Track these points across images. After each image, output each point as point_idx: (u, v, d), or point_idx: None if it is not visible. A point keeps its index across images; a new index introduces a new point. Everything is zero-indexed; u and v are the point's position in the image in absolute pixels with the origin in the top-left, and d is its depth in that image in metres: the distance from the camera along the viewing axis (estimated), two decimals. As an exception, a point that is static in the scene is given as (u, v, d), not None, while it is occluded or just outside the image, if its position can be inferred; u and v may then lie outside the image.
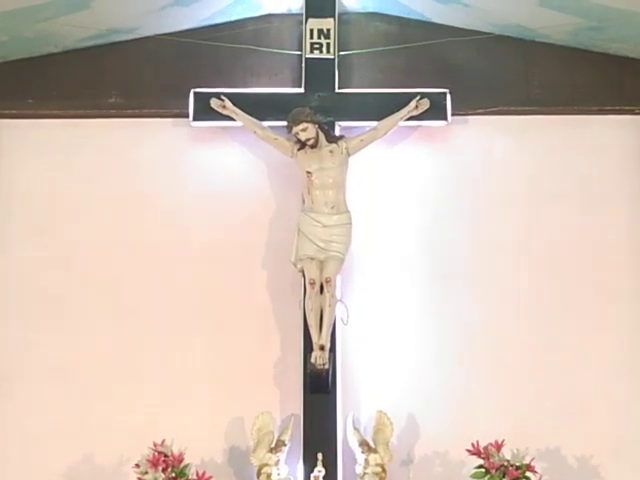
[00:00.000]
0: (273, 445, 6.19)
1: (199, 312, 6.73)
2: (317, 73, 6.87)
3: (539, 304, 6.73)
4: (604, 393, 6.57)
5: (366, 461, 6.14)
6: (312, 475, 6.06)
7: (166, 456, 5.97)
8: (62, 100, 7.00)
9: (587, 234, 6.85)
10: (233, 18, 7.11)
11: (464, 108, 6.91)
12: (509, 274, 6.79)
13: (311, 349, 6.28)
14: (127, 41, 7.08)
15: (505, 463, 5.95)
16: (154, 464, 5.92)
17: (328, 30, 6.91)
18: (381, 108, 6.72)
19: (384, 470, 6.11)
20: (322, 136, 6.54)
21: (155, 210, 6.90)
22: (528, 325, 6.69)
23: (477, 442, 6.02)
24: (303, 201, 6.55)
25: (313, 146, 6.50)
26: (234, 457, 6.50)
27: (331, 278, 6.32)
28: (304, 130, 6.47)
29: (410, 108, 6.70)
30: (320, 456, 6.08)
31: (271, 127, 6.71)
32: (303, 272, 6.40)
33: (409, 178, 6.93)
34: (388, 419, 6.28)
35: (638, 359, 6.66)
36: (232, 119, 6.76)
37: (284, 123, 6.55)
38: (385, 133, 6.68)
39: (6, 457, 6.52)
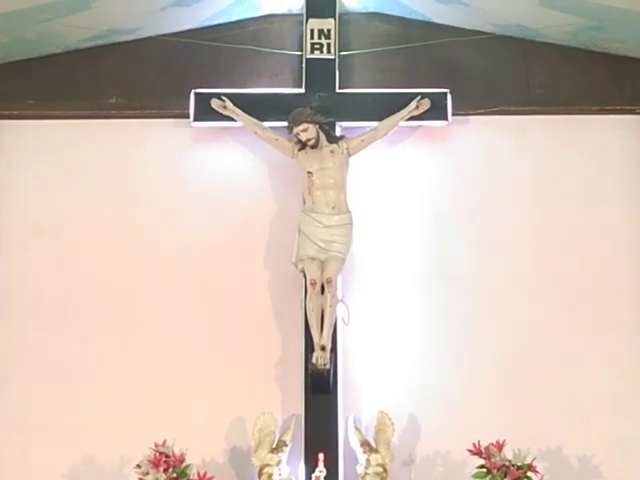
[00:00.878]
0: (274, 445, 6.19)
1: (200, 312, 6.73)
2: (318, 73, 6.87)
3: (539, 304, 6.73)
4: (605, 393, 6.57)
5: (367, 461, 6.14)
6: (313, 475, 6.06)
7: (167, 456, 5.97)
8: (63, 101, 7.00)
9: (587, 234, 6.85)
10: (234, 18, 7.11)
11: (465, 108, 6.92)
12: (509, 274, 6.79)
13: (312, 349, 6.28)
14: (128, 42, 7.08)
15: (506, 463, 5.94)
16: (155, 465, 5.92)
17: (329, 30, 6.91)
18: (382, 108, 6.72)
19: (385, 470, 6.11)
20: (323, 136, 6.54)
21: (156, 210, 6.90)
22: (529, 325, 6.69)
23: (478, 442, 6.02)
24: (304, 201, 6.56)
25: (314, 146, 6.50)
26: (235, 457, 6.50)
27: (332, 278, 6.32)
28: (305, 130, 6.47)
29: (411, 108, 6.70)
30: (321, 456, 6.08)
31: (272, 127, 6.72)
32: (304, 272, 6.41)
33: (410, 178, 6.93)
34: (389, 419, 6.27)
35: (638, 359, 6.65)
36: (233, 119, 6.76)
37: (285, 123, 6.55)
38: (386, 133, 6.69)
39: (6, 457, 6.52)
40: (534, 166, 6.97)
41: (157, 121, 7.02)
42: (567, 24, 6.80)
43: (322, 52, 6.90)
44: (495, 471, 5.93)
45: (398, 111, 6.69)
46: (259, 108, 6.75)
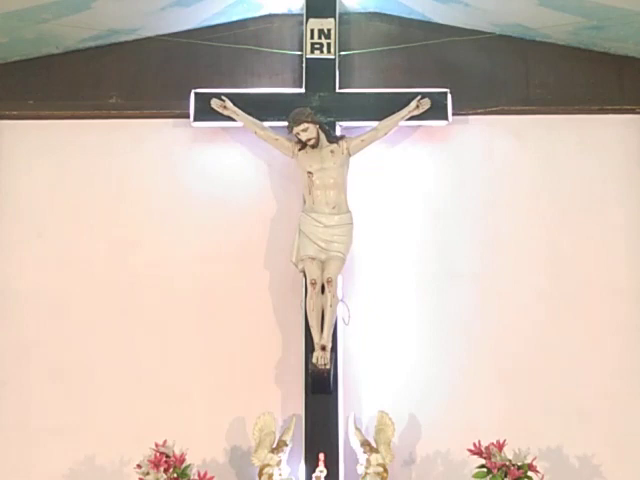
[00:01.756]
0: (275, 445, 6.19)
1: (200, 312, 6.73)
2: (318, 73, 6.87)
3: (539, 304, 6.73)
4: (605, 393, 6.57)
5: (368, 461, 6.14)
6: (314, 475, 6.06)
7: (168, 457, 5.97)
8: (63, 101, 7.00)
9: (587, 234, 6.85)
10: (234, 18, 7.11)
11: (465, 108, 6.92)
12: (509, 274, 6.79)
13: (312, 349, 6.28)
14: (128, 42, 7.08)
15: (507, 463, 5.94)
16: (156, 465, 5.92)
17: (329, 30, 6.91)
18: (382, 108, 6.72)
19: (386, 470, 6.11)
20: (323, 136, 6.54)
21: (156, 210, 6.90)
22: (529, 325, 6.70)
23: (479, 442, 6.02)
24: (304, 201, 6.55)
25: (314, 146, 6.50)
26: (236, 457, 6.50)
27: (332, 278, 6.32)
28: (305, 130, 6.47)
29: (411, 108, 6.70)
30: (322, 456, 6.09)
31: (272, 127, 6.72)
32: (304, 272, 6.41)
33: (410, 178, 6.93)
34: (389, 419, 6.28)
35: (638, 359, 6.66)
36: (233, 119, 6.76)
37: (285, 123, 6.55)
38: (386, 133, 6.69)
39: (6, 457, 6.53)
40: (534, 166, 6.97)
41: (157, 121, 7.01)
42: (567, 24, 6.80)
43: (322, 52, 6.90)
44: (495, 471, 5.93)
45: (398, 111, 6.69)
46: (259, 108, 6.75)
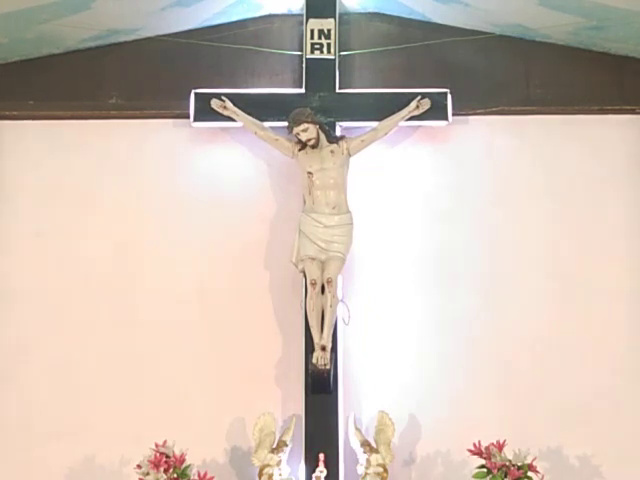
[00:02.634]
0: (275, 446, 6.19)
1: (200, 313, 6.73)
2: (318, 73, 6.86)
3: (539, 303, 6.73)
4: (605, 393, 6.57)
5: (368, 461, 6.14)
6: (314, 475, 6.07)
7: (168, 457, 5.97)
8: (63, 101, 7.00)
9: (587, 234, 6.85)
10: (234, 19, 7.11)
11: (465, 108, 6.92)
12: (509, 274, 6.79)
13: (312, 349, 6.28)
14: (128, 42, 7.08)
15: (507, 463, 5.95)
16: (156, 465, 5.92)
17: (329, 30, 6.91)
18: (382, 108, 6.72)
19: (386, 470, 6.11)
20: (323, 136, 6.54)
21: (156, 210, 6.91)
22: (529, 325, 6.70)
23: (479, 442, 6.02)
24: (304, 201, 6.55)
25: (314, 146, 6.50)
26: (236, 458, 6.51)
27: (332, 278, 6.33)
28: (305, 130, 6.47)
29: (411, 108, 6.70)
30: (322, 456, 6.09)
31: (272, 128, 6.72)
32: (304, 272, 6.41)
33: (410, 178, 6.93)
34: (389, 419, 6.28)
35: (638, 359, 6.66)
36: (233, 120, 6.76)
37: (285, 123, 6.55)
38: (386, 133, 6.69)
39: (6, 457, 6.53)
40: (534, 166, 6.97)
41: (157, 121, 7.01)
42: (567, 24, 6.80)
43: (322, 52, 6.90)
44: (495, 471, 5.93)
45: (398, 111, 6.69)
46: (259, 108, 6.75)
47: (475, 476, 6.01)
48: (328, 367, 6.24)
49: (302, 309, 6.40)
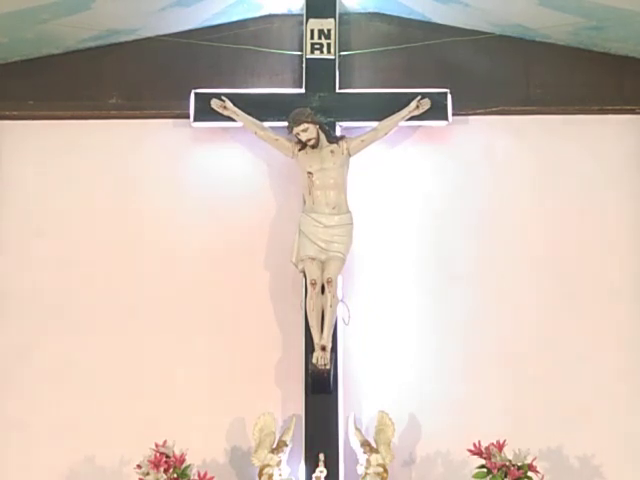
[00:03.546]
0: (275, 446, 6.19)
1: (200, 313, 6.73)
2: (318, 73, 6.86)
3: (540, 303, 6.74)
4: (605, 393, 6.58)
5: (368, 461, 6.14)
6: (314, 475, 6.07)
7: (168, 457, 5.97)
8: (63, 101, 7.00)
9: (587, 234, 6.85)
10: (234, 19, 7.11)
11: (465, 108, 6.92)
12: (509, 274, 6.79)
13: (312, 349, 6.27)
14: (128, 42, 7.08)
15: (507, 463, 5.95)
16: (156, 465, 5.92)
17: (329, 30, 6.91)
18: (382, 108, 6.72)
19: (386, 470, 6.11)
20: (323, 136, 6.54)
21: (156, 211, 6.90)
22: (529, 325, 6.70)
23: (479, 442, 6.02)
24: (304, 201, 6.55)
25: (314, 146, 6.50)
26: (236, 458, 6.51)
27: (332, 278, 6.32)
28: (305, 130, 6.47)
29: (411, 108, 6.70)
30: (322, 456, 6.09)
31: (272, 128, 6.72)
32: (304, 272, 6.41)
33: (410, 178, 6.93)
34: (389, 419, 6.28)
35: (638, 359, 6.66)
36: (233, 120, 6.76)
37: (285, 123, 6.55)
38: (386, 133, 6.69)
39: (6, 457, 6.53)
40: (534, 166, 6.97)
41: (157, 121, 7.01)
42: (567, 24, 6.80)
43: (322, 52, 6.90)
44: (495, 471, 5.93)
45: (398, 111, 6.69)
46: (259, 108, 6.75)
47: (475, 476, 6.01)
48: (328, 367, 6.24)
49: (302, 309, 6.40)
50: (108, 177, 6.96)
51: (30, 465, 6.51)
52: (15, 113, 7.02)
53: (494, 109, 7.01)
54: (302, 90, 6.86)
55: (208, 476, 5.95)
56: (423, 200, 6.89)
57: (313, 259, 6.38)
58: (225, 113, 6.75)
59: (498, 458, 5.95)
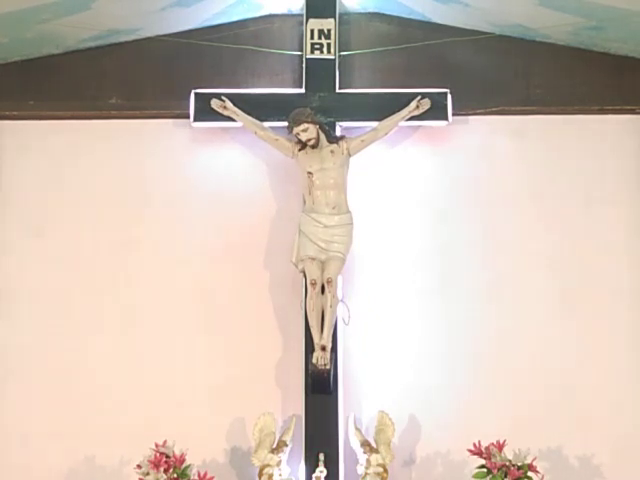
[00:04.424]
0: (275, 446, 6.19)
1: (200, 313, 6.73)
2: (318, 73, 6.86)
3: (539, 304, 6.73)
4: (605, 393, 6.58)
5: (368, 461, 6.14)
6: (314, 475, 6.07)
7: (168, 457, 5.97)
8: (63, 101, 7.00)
9: (587, 234, 6.85)
10: (234, 19, 7.11)
11: (465, 108, 6.92)
12: (509, 274, 6.79)
13: (312, 349, 6.28)
14: (128, 42, 7.08)
15: (507, 463, 5.95)
16: (156, 465, 5.92)
17: (329, 30, 6.91)
18: (382, 108, 6.72)
19: (386, 470, 6.11)
20: (323, 136, 6.54)
21: (156, 211, 6.91)
22: (529, 325, 6.70)
23: (479, 442, 6.03)
24: (304, 201, 6.55)
25: (314, 146, 6.50)
26: (236, 458, 6.51)
27: (332, 278, 6.33)
28: (305, 130, 6.47)
29: (411, 108, 6.70)
30: (322, 456, 6.09)
31: (272, 127, 6.72)
32: (304, 272, 6.41)
33: (410, 178, 6.93)
34: (389, 419, 6.28)
35: (638, 359, 6.66)
36: (233, 120, 6.76)
37: (285, 123, 6.55)
38: (386, 133, 6.69)
39: (6, 457, 6.53)
40: (534, 166, 6.97)
41: (157, 121, 7.01)
42: (567, 24, 6.80)
43: (322, 52, 6.90)
44: (495, 471, 5.93)
45: (398, 111, 6.69)
46: (259, 108, 6.75)
47: (475, 476, 6.01)
48: (328, 367, 6.24)
49: (302, 309, 6.40)
50: (108, 177, 6.96)
51: (30, 465, 6.51)
52: (15, 113, 7.01)
53: (494, 109, 7.01)
54: (302, 90, 6.86)
55: (208, 476, 5.95)
56: (423, 200, 6.89)
57: (313, 259, 6.38)
58: (225, 113, 6.75)
59: (498, 458, 5.95)
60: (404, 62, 7.08)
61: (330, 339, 6.29)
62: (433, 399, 6.56)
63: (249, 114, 6.72)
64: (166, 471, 5.92)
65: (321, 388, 6.26)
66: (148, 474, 5.93)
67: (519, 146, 7.00)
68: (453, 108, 6.79)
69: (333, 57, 6.89)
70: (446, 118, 6.79)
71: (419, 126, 6.89)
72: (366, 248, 6.72)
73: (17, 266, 6.84)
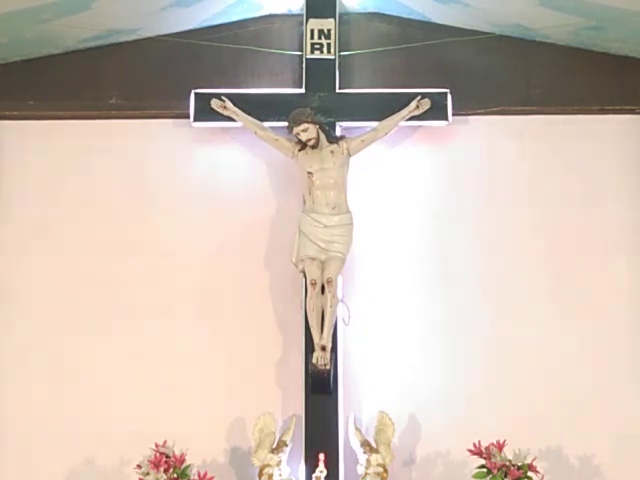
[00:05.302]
0: (275, 446, 6.19)
1: (200, 313, 6.73)
2: (318, 73, 6.87)
3: (539, 304, 6.73)
4: (605, 393, 6.58)
5: (368, 461, 6.14)
6: (314, 475, 6.07)
7: (168, 457, 5.97)
8: (63, 101, 7.00)
9: (587, 233, 6.85)
10: (234, 19, 7.11)
11: (465, 108, 6.92)
12: (509, 274, 6.79)
13: (312, 350, 6.28)
14: (128, 42, 7.08)
15: (507, 463, 5.95)
16: (156, 465, 5.92)
17: (329, 30, 6.91)
18: (382, 108, 6.72)
19: (386, 470, 6.11)
20: (323, 136, 6.54)
21: (156, 211, 6.91)
22: (529, 324, 6.70)
23: (479, 442, 6.02)
24: (304, 201, 6.55)
25: (314, 147, 6.50)
26: (236, 458, 6.51)
27: (332, 278, 6.32)
28: (305, 130, 6.47)
29: (411, 108, 6.70)
30: (322, 456, 6.09)
31: (272, 128, 6.72)
32: (304, 272, 6.41)
33: (410, 178, 6.93)
34: (389, 419, 6.28)
35: (638, 359, 6.66)
36: (233, 120, 6.76)
37: (285, 124, 6.55)
38: (386, 133, 6.69)
39: (6, 457, 6.53)
40: (534, 166, 6.97)
41: (157, 121, 7.02)
42: (567, 24, 6.80)
43: (322, 52, 6.90)
44: (495, 471, 5.93)
45: (398, 111, 6.69)
46: (259, 108, 6.75)
47: (475, 476, 6.01)
48: (328, 367, 6.24)
49: (302, 309, 6.40)
50: (108, 177, 6.96)
51: (30, 465, 6.51)
52: (15, 113, 7.02)
53: (494, 109, 7.01)
54: (302, 90, 6.86)
55: (208, 476, 5.95)
56: (423, 200, 6.89)
57: (313, 259, 6.38)
58: (225, 113, 6.75)
59: (498, 458, 5.95)
60: (404, 62, 7.08)
61: (330, 339, 6.29)
62: (433, 399, 6.56)
63: (249, 114, 6.72)
64: (166, 471, 5.92)
65: (321, 388, 6.26)
66: (148, 474, 5.93)
67: (519, 146, 7.00)
68: (453, 108, 6.79)
69: (333, 57, 6.89)
70: (446, 118, 6.79)
71: (419, 126, 6.89)
72: (366, 248, 6.72)
73: (17, 266, 6.83)
